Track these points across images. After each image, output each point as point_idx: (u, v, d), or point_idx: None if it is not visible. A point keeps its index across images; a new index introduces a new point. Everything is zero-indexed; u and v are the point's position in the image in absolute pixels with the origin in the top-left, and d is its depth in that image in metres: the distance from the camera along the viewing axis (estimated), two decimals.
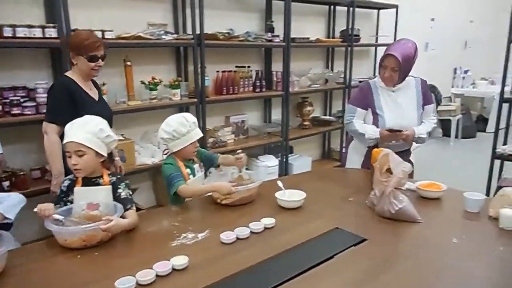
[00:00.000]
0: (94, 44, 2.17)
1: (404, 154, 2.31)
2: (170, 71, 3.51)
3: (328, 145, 5.17)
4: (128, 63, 3.07)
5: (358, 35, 4.84)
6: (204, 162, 2.14)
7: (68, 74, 2.25)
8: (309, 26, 4.57)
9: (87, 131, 1.64)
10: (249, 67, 3.90)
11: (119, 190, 1.73)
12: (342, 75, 4.80)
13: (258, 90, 3.94)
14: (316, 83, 4.55)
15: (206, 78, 3.52)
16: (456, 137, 6.39)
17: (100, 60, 2.22)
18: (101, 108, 2.25)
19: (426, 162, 5.41)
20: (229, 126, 3.96)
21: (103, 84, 2.89)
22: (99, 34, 2.76)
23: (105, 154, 1.71)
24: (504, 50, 3.32)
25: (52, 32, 2.56)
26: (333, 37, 4.81)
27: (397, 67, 2.20)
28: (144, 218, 1.76)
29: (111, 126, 1.99)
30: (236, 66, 3.83)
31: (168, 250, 1.47)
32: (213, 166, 2.20)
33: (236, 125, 4.06)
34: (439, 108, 6.39)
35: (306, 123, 4.64)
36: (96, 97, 2.34)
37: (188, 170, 1.99)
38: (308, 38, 4.25)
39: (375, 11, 5.29)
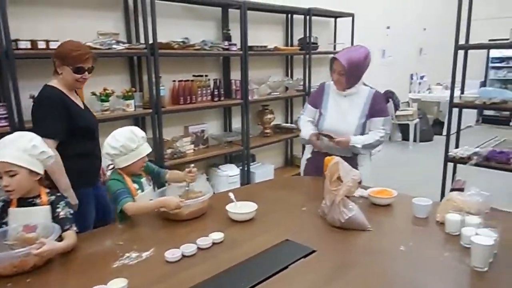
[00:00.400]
0: (83, 56, 2.09)
1: (349, 160, 2.32)
2: (123, 82, 3.40)
3: (291, 152, 5.18)
4: None
5: (316, 43, 4.90)
6: (152, 178, 2.06)
7: (52, 83, 2.12)
8: (267, 34, 4.58)
9: (17, 149, 1.53)
10: (206, 76, 3.85)
11: (58, 210, 1.63)
12: (302, 83, 4.84)
13: (216, 99, 3.89)
14: (276, 90, 4.55)
15: (161, 87, 3.44)
16: (415, 140, 6.59)
17: (86, 72, 2.14)
18: (89, 116, 2.23)
19: (387, 165, 5.54)
20: (188, 136, 3.88)
21: None
22: (43, 45, 2.64)
23: (40, 172, 1.60)
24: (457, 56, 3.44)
25: None
26: (292, 45, 4.84)
27: (343, 71, 2.25)
28: (86, 238, 1.66)
29: (98, 134, 1.96)
30: (193, 75, 3.77)
31: (108, 272, 1.39)
32: (161, 182, 2.13)
33: (196, 135, 3.99)
34: (398, 113, 6.53)
35: (268, 131, 4.63)
36: (81, 105, 2.25)
37: (135, 185, 1.90)
38: (266, 46, 4.26)
39: (332, 19, 5.39)
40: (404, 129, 6.76)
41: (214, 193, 2.24)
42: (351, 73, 2.25)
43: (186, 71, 3.75)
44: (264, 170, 4.51)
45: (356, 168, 2.31)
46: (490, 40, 4.91)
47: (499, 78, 8.48)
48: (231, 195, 1.90)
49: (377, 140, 2.34)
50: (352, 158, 2.35)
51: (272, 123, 4.70)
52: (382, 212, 1.88)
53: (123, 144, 1.82)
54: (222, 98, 3.97)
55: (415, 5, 7.12)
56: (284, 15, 4.75)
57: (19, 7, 2.73)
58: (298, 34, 4.84)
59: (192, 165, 2.06)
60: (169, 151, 3.60)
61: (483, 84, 8.28)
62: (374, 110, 2.34)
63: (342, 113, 2.34)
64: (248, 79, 4.12)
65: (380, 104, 2.39)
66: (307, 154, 2.56)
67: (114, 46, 3.03)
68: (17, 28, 2.66)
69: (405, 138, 6.74)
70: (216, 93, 3.89)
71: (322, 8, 4.79)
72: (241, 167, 4.25)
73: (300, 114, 2.60)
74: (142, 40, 3.27)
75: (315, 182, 2.35)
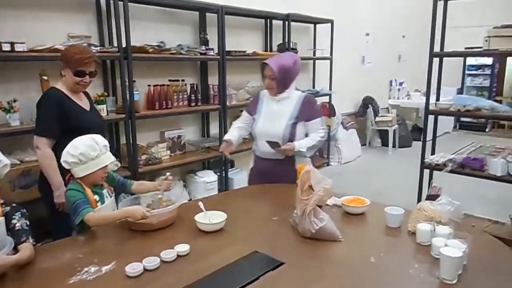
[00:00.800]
0: (83, 59, 2.14)
1: (288, 163, 2.35)
2: (96, 86, 3.30)
3: None
4: (45, 77, 2.83)
5: (296, 49, 4.88)
6: (115, 189, 1.97)
7: (57, 85, 2.23)
8: (246, 39, 4.54)
9: None
10: (183, 80, 3.78)
11: (14, 221, 1.54)
12: None
13: (193, 104, 3.83)
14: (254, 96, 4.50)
15: (135, 92, 3.36)
16: (394, 146, 6.64)
17: (87, 76, 2.19)
18: (91, 118, 2.27)
19: (366, 170, 5.57)
20: (164, 141, 3.80)
21: (14, 101, 2.65)
22: (7, 47, 2.53)
23: None
24: (434, 63, 3.46)
25: None
26: (271, 51, 4.82)
27: (273, 75, 2.29)
28: (44, 251, 1.57)
29: (104, 136, 1.90)
30: (170, 80, 3.70)
31: None
32: (127, 194, 2.05)
33: (172, 141, 3.91)
34: (377, 119, 6.62)
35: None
36: (87, 107, 2.30)
37: (96, 197, 1.80)
38: (244, 52, 4.22)
39: (312, 25, 5.39)
40: (383, 135, 6.81)
41: (191, 199, 2.19)
42: (281, 77, 2.29)
43: (162, 76, 3.67)
44: (242, 176, 4.44)
45: (294, 173, 2.31)
46: (466, 48, 4.99)
47: (475, 85, 8.65)
48: (201, 204, 1.83)
49: (319, 141, 2.39)
50: (290, 161, 2.35)
51: None
52: (354, 222, 1.84)
53: (83, 152, 1.73)
54: (199, 103, 3.90)
55: (394, 13, 7.21)
56: (263, 20, 4.72)
57: None
58: (277, 39, 4.82)
59: (168, 173, 2.00)
60: (143, 157, 3.51)
61: (460, 91, 8.43)
62: (307, 112, 2.37)
63: (272, 117, 2.38)
64: (226, 84, 4.07)
65: (312, 106, 2.43)
66: (251, 163, 2.58)
67: None
68: None
69: (385, 143, 6.79)
70: (193, 98, 3.83)
71: (301, 14, 4.79)
72: (219, 173, 4.18)
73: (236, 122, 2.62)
74: (115, 44, 3.19)
75: (288, 190, 2.30)
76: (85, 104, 2.29)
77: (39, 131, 2.12)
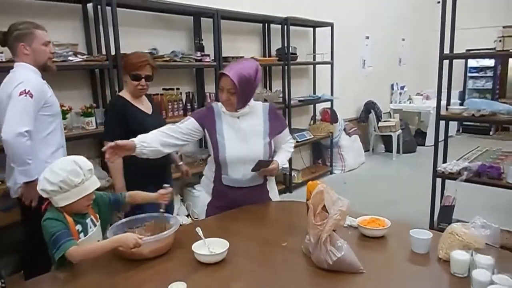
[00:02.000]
0: (137, 63, 2.33)
1: (260, 188, 2.07)
2: (84, 97, 3.09)
3: None
4: None
5: (295, 53, 4.69)
6: (107, 210, 1.74)
7: (121, 93, 2.49)
8: (243, 44, 4.35)
9: None
10: (178, 89, 3.57)
11: None
12: (281, 95, 4.60)
13: (190, 113, 3.60)
14: None
15: None
16: (398, 152, 6.43)
17: (143, 79, 2.35)
18: (153, 121, 2.32)
19: (371, 178, 5.35)
20: None
21: None
22: None
23: None
24: (435, 66, 3.26)
25: None
26: (270, 56, 4.62)
27: (233, 89, 1.86)
28: None
29: None
30: (164, 89, 3.49)
31: None
32: (121, 206, 1.81)
33: None
34: (380, 124, 6.42)
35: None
36: (149, 111, 2.49)
37: (78, 227, 1.57)
38: (242, 57, 4.01)
39: (311, 29, 5.20)
40: (387, 141, 6.61)
41: (189, 215, 1.89)
42: (243, 90, 1.88)
43: (155, 84, 3.43)
44: None
45: (268, 193, 2.13)
46: (467, 50, 4.80)
47: (478, 88, 8.48)
48: (199, 231, 1.61)
49: (292, 152, 2.21)
50: (263, 184, 2.08)
51: None
52: (375, 247, 1.62)
53: (64, 179, 1.49)
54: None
55: (393, 16, 7.05)
56: (261, 24, 4.53)
57: None
58: (276, 44, 4.62)
59: (167, 185, 1.81)
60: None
61: (462, 94, 8.26)
62: (277, 125, 2.07)
63: (243, 137, 1.96)
64: None
65: (279, 116, 2.16)
66: (205, 196, 2.10)
67: (70, 58, 2.72)
68: None
69: (388, 149, 6.58)
70: (189, 107, 3.62)
71: (300, 17, 4.60)
72: None
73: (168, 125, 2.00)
74: (104, 52, 2.97)
75: (295, 207, 2.07)
76: (147, 108, 2.48)
77: (105, 136, 2.38)
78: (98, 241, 1.60)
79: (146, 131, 1.91)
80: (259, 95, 4.31)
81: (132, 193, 1.84)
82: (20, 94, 1.98)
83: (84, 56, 2.79)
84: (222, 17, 3.72)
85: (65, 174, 1.50)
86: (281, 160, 2.07)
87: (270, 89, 4.69)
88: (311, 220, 1.48)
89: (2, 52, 2.40)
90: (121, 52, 2.98)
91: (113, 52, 2.93)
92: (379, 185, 5.08)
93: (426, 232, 1.55)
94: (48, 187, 1.49)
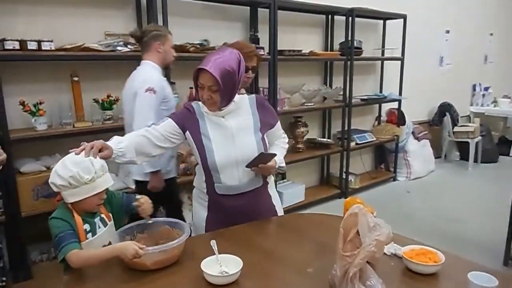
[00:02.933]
0: (245, 54, 2.04)
1: (261, 193, 1.82)
2: None
3: (327, 170, 4.61)
4: (75, 78, 2.63)
5: (360, 48, 4.31)
6: (120, 210, 1.64)
7: None
8: (303, 37, 4.08)
9: None
10: None
11: None
12: (341, 92, 4.27)
13: None
14: (311, 101, 4.03)
15: (175, 95, 3.06)
16: (475, 161, 5.72)
17: (250, 71, 2.15)
18: None
19: (440, 189, 4.80)
20: None
21: (40, 103, 2.46)
22: (33, 45, 2.35)
23: None
24: None
25: None
26: (331, 50, 4.30)
27: (215, 86, 1.60)
28: None
29: None
30: None
31: None
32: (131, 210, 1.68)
33: None
34: (456, 129, 5.75)
35: (300, 145, 4.12)
36: None
37: (86, 226, 1.48)
38: (300, 51, 3.76)
39: (381, 21, 4.76)
40: (463, 148, 5.91)
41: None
42: (226, 86, 1.62)
43: None
44: (293, 190, 4.01)
45: (271, 199, 1.87)
46: None
47: None
48: (214, 245, 1.43)
49: (287, 148, 1.94)
50: (264, 187, 1.81)
51: (306, 137, 4.18)
52: (422, 286, 1.31)
53: (73, 175, 1.39)
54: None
55: (480, 6, 6.25)
56: (323, 16, 4.21)
57: (11, 4, 2.46)
58: (339, 37, 4.29)
59: (140, 196, 1.61)
60: (182, 166, 3.21)
61: None
62: (268, 118, 1.81)
63: (232, 138, 1.71)
64: (278, 87, 3.65)
65: (269, 108, 1.86)
66: (200, 210, 1.84)
67: (119, 48, 2.69)
68: (8, 27, 2.41)
69: (464, 157, 5.88)
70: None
71: (368, 8, 4.20)
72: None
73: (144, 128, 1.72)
74: None
75: (327, 221, 1.79)
76: None
77: None
78: (110, 242, 1.49)
79: None
80: (316, 92, 4.03)
81: (142, 198, 1.66)
82: (146, 91, 2.23)
83: (132, 47, 2.75)
84: (279, 7, 3.49)
85: (75, 170, 1.40)
86: (278, 157, 1.78)
87: (330, 85, 4.37)
88: (339, 248, 1.23)
89: (52, 41, 2.42)
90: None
91: None
92: (448, 197, 4.53)
93: (490, 278, 1.21)
94: (58, 181, 1.41)
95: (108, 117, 2.75)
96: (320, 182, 4.61)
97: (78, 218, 1.45)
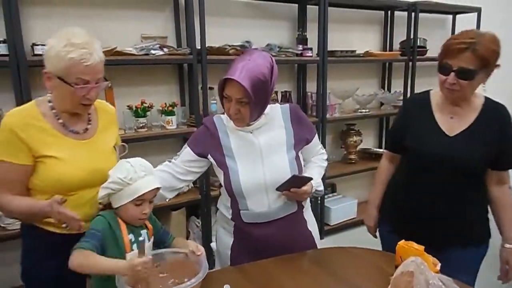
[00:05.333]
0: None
1: (296, 217, 1.56)
2: (172, 94, 2.90)
3: None
4: (108, 84, 2.50)
5: (424, 47, 3.82)
6: (155, 239, 1.42)
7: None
8: (357, 36, 3.68)
9: None
10: None
11: None
12: (401, 97, 3.81)
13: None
14: (365, 106, 3.63)
15: (212, 101, 2.86)
16: None
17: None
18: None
19: None
20: None
21: None
22: None
23: None
24: None
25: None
26: (391, 50, 3.85)
27: (245, 98, 1.35)
28: None
29: None
30: None
31: None
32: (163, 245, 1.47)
33: None
34: None
35: (352, 156, 3.73)
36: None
37: (131, 237, 1.29)
38: (353, 51, 3.39)
39: (450, 16, 4.21)
40: None
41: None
42: (257, 99, 1.36)
43: None
44: (344, 205, 3.62)
45: (307, 224, 1.61)
46: None
47: None
48: None
49: (325, 167, 1.68)
50: (299, 214, 1.57)
51: (359, 147, 3.78)
52: None
53: (113, 180, 1.25)
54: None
55: None
56: (381, 12, 3.78)
57: (44, 7, 2.39)
58: (399, 35, 3.83)
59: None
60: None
61: None
62: (303, 132, 1.55)
63: (260, 157, 1.46)
64: (327, 92, 3.30)
65: (305, 120, 1.59)
66: (225, 236, 1.59)
67: (153, 51, 2.53)
68: (42, 32, 2.34)
69: None
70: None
71: (434, 2, 3.70)
72: (313, 199, 3.44)
73: (165, 162, 1.57)
74: (197, 45, 2.70)
75: (378, 261, 1.44)
76: None
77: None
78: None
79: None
80: (371, 97, 3.62)
81: (178, 240, 1.46)
82: None
83: (166, 50, 2.57)
84: (330, 3, 3.15)
85: (116, 174, 1.26)
86: (315, 179, 1.52)
87: (388, 90, 3.92)
88: None
89: None
90: (211, 45, 2.70)
91: (198, 46, 2.65)
92: None
93: None
94: (102, 192, 1.28)
95: (141, 125, 2.59)
96: None
97: (123, 225, 1.29)
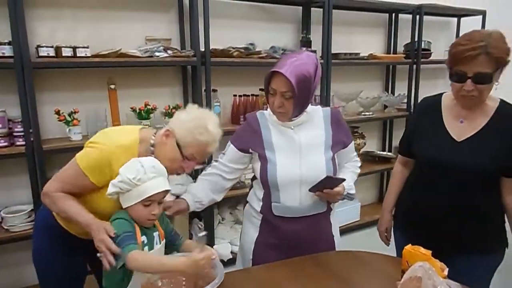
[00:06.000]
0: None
1: (322, 218, 1.60)
2: (175, 96, 2.90)
3: (387, 187, 4.13)
4: (112, 86, 2.51)
5: (429, 50, 3.81)
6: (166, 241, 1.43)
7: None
8: (361, 39, 3.68)
9: None
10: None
11: None
12: (405, 100, 3.79)
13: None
14: (369, 109, 3.61)
15: (216, 103, 2.86)
16: None
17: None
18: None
19: None
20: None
21: (74, 112, 2.37)
22: (68, 52, 2.25)
23: None
24: None
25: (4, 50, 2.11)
26: (395, 53, 3.84)
27: (290, 92, 1.43)
28: None
29: None
30: (260, 89, 3.09)
31: None
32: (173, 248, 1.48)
33: None
34: None
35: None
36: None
37: (143, 238, 1.29)
38: (357, 54, 3.38)
39: (454, 19, 4.20)
40: None
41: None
42: (301, 94, 1.44)
43: (250, 84, 3.08)
44: (347, 208, 3.60)
45: (331, 227, 1.64)
46: None
47: None
48: None
49: (358, 173, 1.74)
50: (326, 214, 1.61)
51: (363, 150, 3.76)
52: None
53: (123, 179, 1.26)
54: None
55: None
56: (386, 14, 3.77)
57: (49, 9, 2.39)
58: (404, 38, 3.82)
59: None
60: None
61: None
62: (341, 136, 1.62)
63: (299, 153, 1.53)
64: (331, 94, 3.29)
65: (344, 125, 1.66)
66: (251, 230, 1.64)
67: (157, 53, 2.53)
68: (45, 34, 2.34)
69: None
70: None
71: (439, 5, 3.69)
72: None
73: (212, 164, 1.65)
74: (201, 47, 2.70)
75: (385, 266, 1.43)
76: None
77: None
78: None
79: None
80: (375, 99, 3.60)
81: (188, 242, 1.49)
82: None
83: (170, 52, 2.57)
84: (335, 6, 3.15)
85: (124, 171, 1.27)
86: (347, 182, 1.57)
87: (392, 92, 3.91)
88: None
89: (88, 47, 2.31)
90: (215, 47, 2.70)
91: (202, 48, 2.64)
92: None
93: None
94: (111, 189, 1.28)
95: (144, 127, 2.59)
96: (378, 200, 4.14)
97: (136, 226, 1.29)
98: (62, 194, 1.35)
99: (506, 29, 4.25)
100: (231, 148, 1.60)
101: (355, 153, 1.74)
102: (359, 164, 1.75)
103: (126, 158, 1.33)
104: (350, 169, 1.70)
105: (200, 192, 1.60)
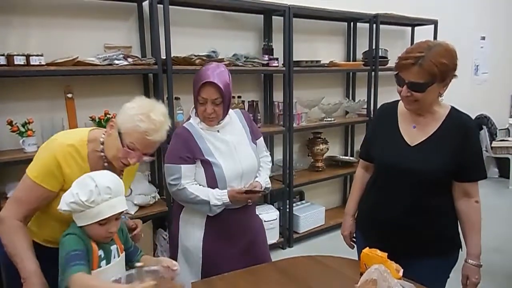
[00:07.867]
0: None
1: (249, 211, 1.83)
2: None
3: (350, 191, 4.24)
4: (69, 95, 2.43)
5: (386, 57, 3.96)
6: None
7: None
8: (322, 46, 3.77)
9: None
10: (239, 97, 3.16)
11: None
12: (365, 106, 3.92)
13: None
14: (331, 115, 3.70)
15: (179, 111, 2.83)
16: None
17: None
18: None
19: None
20: None
21: (28, 123, 2.27)
22: (20, 60, 2.16)
23: None
24: None
25: None
26: (354, 60, 3.96)
27: (220, 97, 1.64)
28: None
29: None
30: None
31: None
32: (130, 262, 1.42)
33: None
34: (494, 144, 5.25)
35: (319, 164, 3.79)
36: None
37: (100, 252, 1.24)
38: (318, 61, 3.45)
39: (409, 28, 4.40)
40: (502, 164, 5.39)
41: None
42: (227, 98, 1.68)
43: None
44: (312, 213, 3.66)
45: (260, 219, 1.94)
46: None
47: None
48: None
49: (270, 167, 1.94)
50: (254, 205, 1.89)
51: (326, 155, 3.84)
52: None
53: (76, 201, 1.19)
54: (260, 125, 3.24)
55: None
56: (344, 23, 3.89)
57: (3, 16, 2.30)
58: (363, 46, 3.95)
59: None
60: None
61: None
62: (254, 129, 1.89)
63: (234, 151, 1.73)
64: (293, 101, 3.35)
65: (252, 121, 1.94)
66: (195, 232, 1.74)
67: (116, 61, 2.48)
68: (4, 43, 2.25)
69: (504, 175, 5.37)
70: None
71: (394, 14, 3.85)
72: (282, 208, 3.46)
73: (175, 186, 1.68)
74: (162, 54, 2.67)
75: (346, 271, 1.46)
76: None
77: None
78: (120, 278, 1.21)
79: None
80: (337, 105, 3.70)
81: (145, 257, 1.44)
82: None
83: (130, 60, 2.52)
84: (295, 15, 3.21)
85: (76, 189, 1.20)
86: (263, 179, 1.83)
87: (353, 99, 4.02)
88: None
89: (42, 55, 2.22)
90: (177, 55, 2.68)
91: (163, 56, 2.62)
92: (488, 220, 4.03)
93: None
94: (63, 206, 1.21)
95: (97, 128, 2.52)
96: (342, 203, 4.24)
97: (93, 242, 1.24)
98: (20, 226, 1.30)
99: (456, 38, 4.52)
100: (185, 167, 1.66)
101: (265, 148, 1.96)
102: (270, 159, 1.96)
103: (73, 158, 1.32)
104: (264, 166, 1.89)
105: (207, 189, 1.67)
